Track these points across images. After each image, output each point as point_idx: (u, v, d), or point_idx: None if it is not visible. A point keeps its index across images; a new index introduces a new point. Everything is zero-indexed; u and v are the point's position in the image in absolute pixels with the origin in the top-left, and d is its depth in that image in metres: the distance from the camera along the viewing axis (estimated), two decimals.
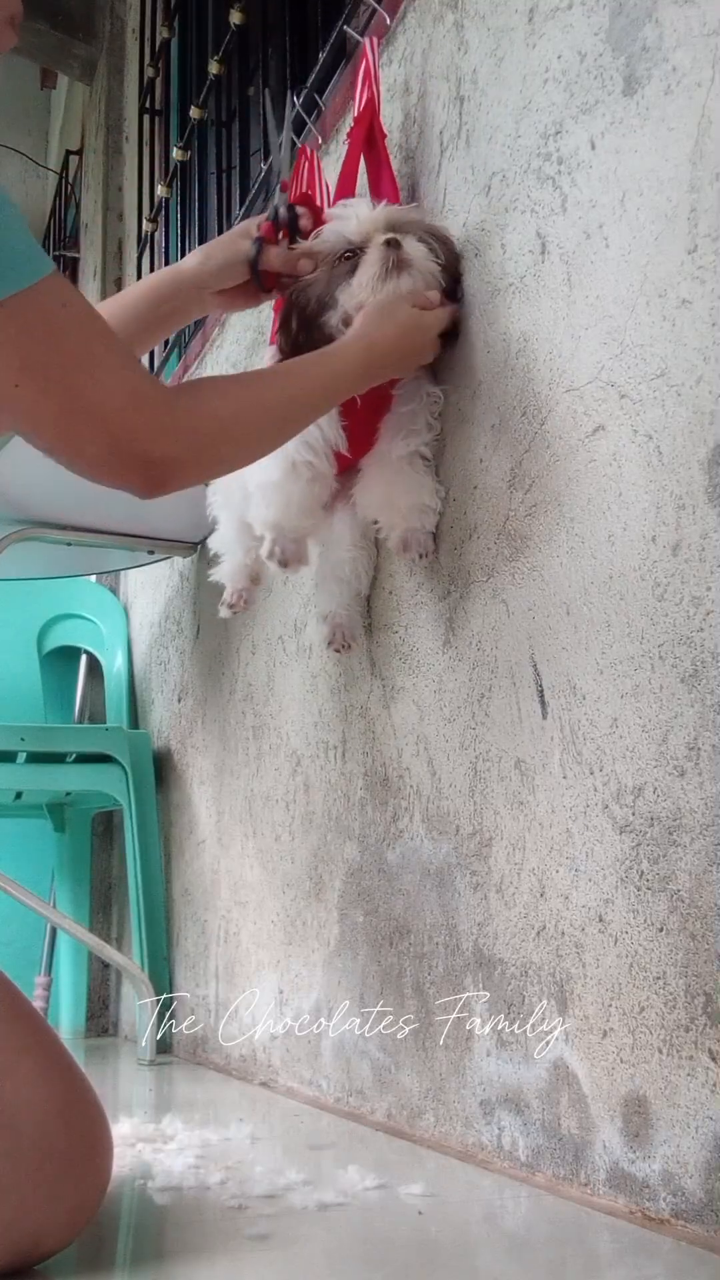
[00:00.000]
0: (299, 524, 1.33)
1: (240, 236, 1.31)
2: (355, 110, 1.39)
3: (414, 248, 1.23)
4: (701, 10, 0.93)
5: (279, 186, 1.35)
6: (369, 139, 1.37)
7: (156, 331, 1.33)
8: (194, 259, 1.31)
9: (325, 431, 1.29)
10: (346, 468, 1.35)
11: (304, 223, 1.31)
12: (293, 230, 1.30)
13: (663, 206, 0.96)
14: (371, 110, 1.36)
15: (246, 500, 1.39)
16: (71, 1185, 0.84)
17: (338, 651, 1.44)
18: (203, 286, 1.31)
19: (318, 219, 1.31)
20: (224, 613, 1.42)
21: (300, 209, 1.32)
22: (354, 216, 1.26)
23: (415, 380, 1.29)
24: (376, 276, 1.22)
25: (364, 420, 1.30)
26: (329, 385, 1.16)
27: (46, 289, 0.94)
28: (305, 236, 1.30)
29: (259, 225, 1.31)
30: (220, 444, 1.08)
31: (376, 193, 1.35)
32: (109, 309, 1.27)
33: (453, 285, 1.26)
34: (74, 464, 1.01)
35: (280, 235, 1.30)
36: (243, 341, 1.99)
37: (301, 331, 1.27)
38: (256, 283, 1.30)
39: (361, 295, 1.23)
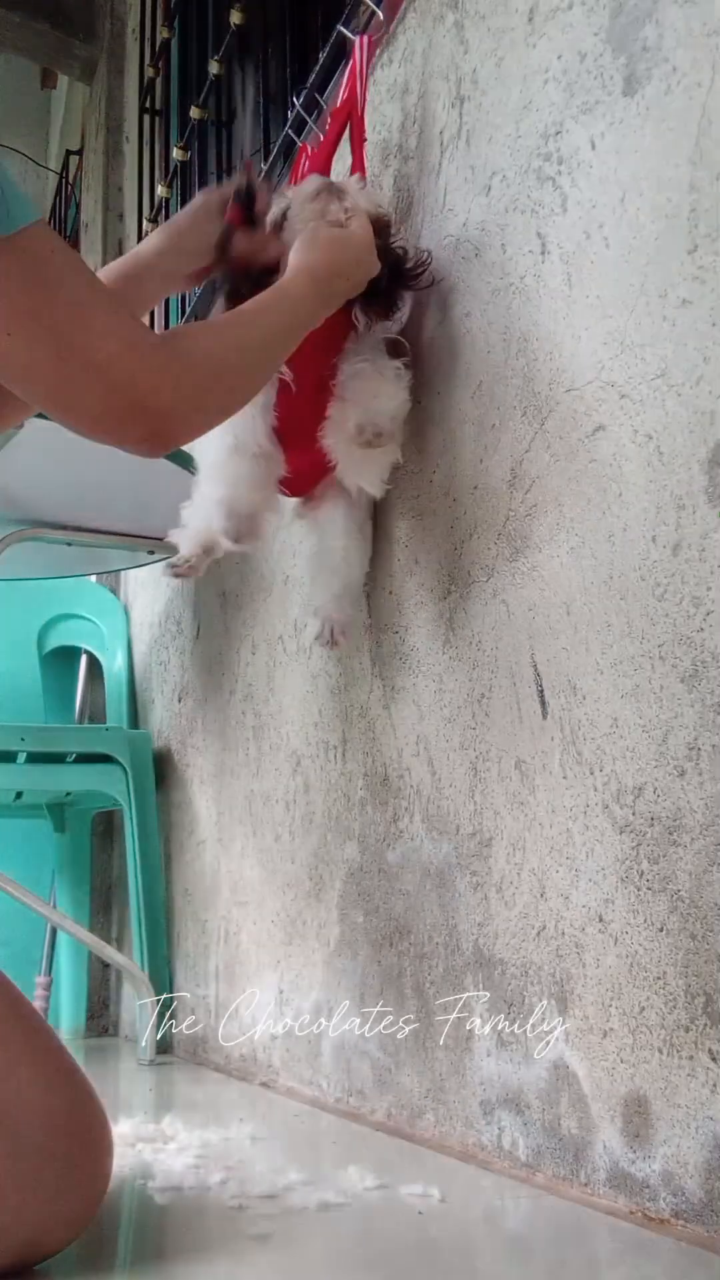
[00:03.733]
0: (250, 497, 1.32)
1: (205, 219, 1.30)
2: (336, 104, 1.41)
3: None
4: (701, 10, 0.93)
5: (243, 165, 1.35)
6: (351, 133, 1.39)
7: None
8: (160, 244, 1.29)
9: (253, 413, 1.29)
10: (316, 471, 1.36)
11: (260, 205, 1.31)
12: (251, 209, 1.30)
13: (663, 206, 0.96)
14: (350, 105, 1.37)
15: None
16: (72, 1186, 0.84)
17: (324, 647, 1.41)
18: (171, 274, 1.30)
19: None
20: (167, 573, 1.40)
21: (258, 186, 1.32)
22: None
23: (373, 354, 1.30)
24: (308, 196, 1.24)
25: (304, 402, 1.30)
26: (291, 320, 1.14)
27: (37, 234, 0.92)
28: (262, 215, 1.30)
29: (225, 208, 1.30)
30: (213, 387, 1.05)
31: None
32: None
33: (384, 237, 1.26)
34: (71, 419, 0.98)
35: (243, 216, 1.30)
36: None
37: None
38: (225, 267, 1.30)
39: (301, 214, 1.24)
